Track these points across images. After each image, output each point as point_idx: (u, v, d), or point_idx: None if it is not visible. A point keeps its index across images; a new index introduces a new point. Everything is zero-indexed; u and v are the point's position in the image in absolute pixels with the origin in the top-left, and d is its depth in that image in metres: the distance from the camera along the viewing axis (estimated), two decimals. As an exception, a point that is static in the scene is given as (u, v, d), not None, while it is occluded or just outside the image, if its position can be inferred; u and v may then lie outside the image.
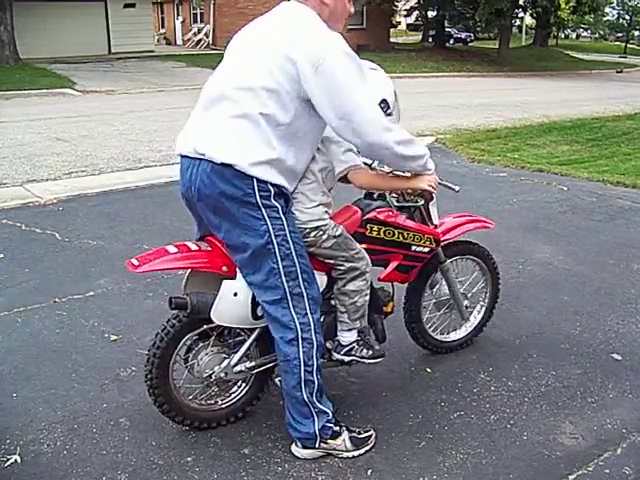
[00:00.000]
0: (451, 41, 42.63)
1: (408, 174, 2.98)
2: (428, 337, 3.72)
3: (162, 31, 39.15)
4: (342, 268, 2.91)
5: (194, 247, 2.85)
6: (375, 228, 3.10)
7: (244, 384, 3.10)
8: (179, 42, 36.94)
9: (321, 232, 2.83)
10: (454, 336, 3.84)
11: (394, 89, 3.00)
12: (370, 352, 3.08)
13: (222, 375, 2.94)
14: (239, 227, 2.61)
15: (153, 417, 3.06)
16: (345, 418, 3.14)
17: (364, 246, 3.02)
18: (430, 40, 39.81)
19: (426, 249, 3.29)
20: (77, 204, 6.73)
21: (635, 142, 11.61)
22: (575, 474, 2.81)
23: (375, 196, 3.22)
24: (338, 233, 2.88)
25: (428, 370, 3.63)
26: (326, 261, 2.93)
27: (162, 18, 39.95)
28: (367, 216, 3.10)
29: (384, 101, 2.89)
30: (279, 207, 2.61)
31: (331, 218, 2.94)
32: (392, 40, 38.50)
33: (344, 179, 2.93)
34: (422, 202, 3.29)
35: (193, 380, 3.02)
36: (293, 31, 2.51)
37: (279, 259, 2.63)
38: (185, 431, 3.02)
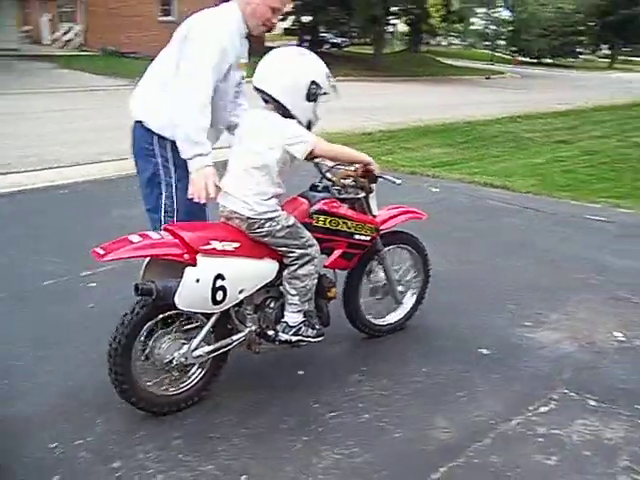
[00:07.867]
0: (327, 46, 43.19)
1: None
2: (365, 320, 3.95)
3: (26, 28, 37.29)
4: (294, 255, 3.17)
5: (156, 236, 3.00)
6: (321, 218, 3.36)
7: (200, 369, 3.22)
8: (46, 41, 35.36)
9: (275, 223, 3.10)
10: (388, 320, 4.09)
11: (325, 70, 3.20)
12: (314, 331, 3.36)
13: (182, 360, 3.06)
14: None
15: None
16: (217, 426, 3.09)
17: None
18: (306, 45, 40.20)
19: (367, 237, 3.58)
20: None
21: (503, 145, 12.15)
22: (446, 466, 2.88)
23: (319, 188, 3.45)
24: (291, 223, 3.16)
25: (300, 372, 3.63)
26: (279, 249, 3.16)
27: (26, 14, 37.99)
28: (314, 207, 3.36)
29: (314, 82, 3.10)
30: None
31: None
32: (268, 44, 38.49)
33: (311, 157, 3.22)
34: (363, 194, 3.56)
35: (152, 366, 3.08)
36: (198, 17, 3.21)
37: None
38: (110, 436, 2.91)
